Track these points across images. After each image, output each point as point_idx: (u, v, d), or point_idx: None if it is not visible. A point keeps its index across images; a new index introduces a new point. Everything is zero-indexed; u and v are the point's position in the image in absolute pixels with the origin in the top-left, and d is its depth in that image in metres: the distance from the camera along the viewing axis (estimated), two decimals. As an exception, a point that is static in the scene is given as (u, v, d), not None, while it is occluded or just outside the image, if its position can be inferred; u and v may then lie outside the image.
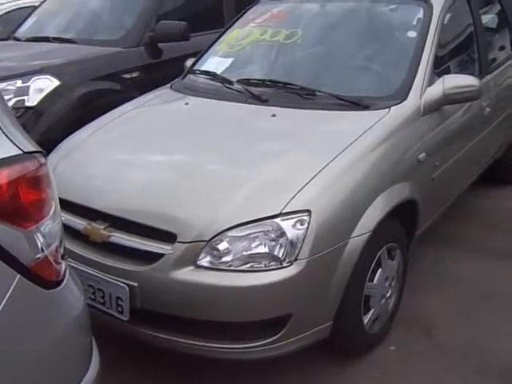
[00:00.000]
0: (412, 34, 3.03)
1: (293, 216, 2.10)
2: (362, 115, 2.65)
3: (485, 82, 3.52)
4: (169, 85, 3.41)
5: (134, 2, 4.66)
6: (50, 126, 3.87)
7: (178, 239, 2.11)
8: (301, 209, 2.11)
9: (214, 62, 3.43)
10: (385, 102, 2.73)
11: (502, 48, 4.14)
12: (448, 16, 3.26)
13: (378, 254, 2.46)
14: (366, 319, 2.48)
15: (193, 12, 5.03)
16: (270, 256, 2.09)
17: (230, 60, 3.38)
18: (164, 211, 2.19)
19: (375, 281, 2.47)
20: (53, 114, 3.90)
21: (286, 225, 2.09)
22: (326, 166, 2.27)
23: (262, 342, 2.14)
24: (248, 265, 2.10)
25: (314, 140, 2.49)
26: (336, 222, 2.19)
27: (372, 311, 2.50)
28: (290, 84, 2.90)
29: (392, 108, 2.68)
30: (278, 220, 2.09)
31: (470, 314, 2.90)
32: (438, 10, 3.10)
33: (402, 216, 2.65)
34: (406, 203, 2.62)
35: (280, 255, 2.09)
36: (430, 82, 2.85)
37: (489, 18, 4.05)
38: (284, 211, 2.10)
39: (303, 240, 2.09)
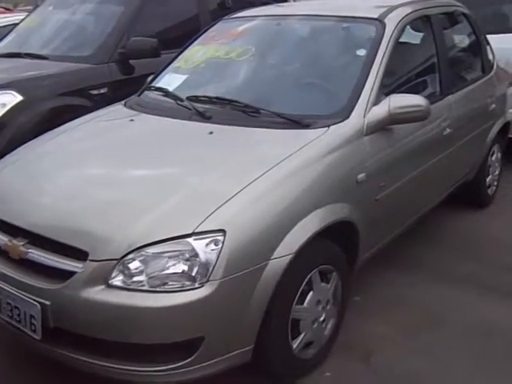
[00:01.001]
0: (361, 52, 2.99)
1: (206, 236, 2.05)
2: (299, 134, 2.60)
3: (446, 102, 3.47)
4: (123, 101, 3.39)
5: (107, 20, 4.67)
6: (12, 140, 3.86)
7: (90, 257, 2.06)
8: (215, 228, 2.06)
9: (170, 79, 3.41)
10: (326, 120, 2.68)
11: (471, 68, 4.09)
12: (404, 35, 3.22)
13: (308, 276, 2.38)
14: (296, 343, 2.40)
15: (169, 29, 5.04)
16: (182, 276, 2.04)
17: (184, 77, 3.36)
18: (77, 228, 2.15)
19: (305, 304, 2.40)
20: (16, 128, 3.91)
21: (199, 244, 2.04)
22: (249, 185, 2.22)
23: (173, 366, 2.07)
24: (160, 285, 2.04)
25: (243, 158, 2.45)
26: (253, 243, 2.12)
27: (302, 335, 2.42)
28: (235, 101, 2.87)
29: (331, 127, 2.63)
30: (190, 239, 2.04)
31: (415, 342, 2.81)
32: (390, 29, 3.06)
33: (339, 238, 2.59)
34: (343, 225, 2.55)
35: (192, 276, 2.03)
36: (377, 101, 2.79)
37: (457, 39, 4.00)
38: (197, 230, 2.05)
39: (216, 260, 2.03)
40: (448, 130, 3.42)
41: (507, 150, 5.01)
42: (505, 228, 4.18)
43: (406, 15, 3.23)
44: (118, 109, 3.28)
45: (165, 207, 2.14)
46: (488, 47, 4.38)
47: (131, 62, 4.52)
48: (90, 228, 2.13)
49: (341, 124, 2.65)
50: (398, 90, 3.06)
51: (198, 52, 3.49)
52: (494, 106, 4.18)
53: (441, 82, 3.47)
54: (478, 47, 4.15)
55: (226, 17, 3.77)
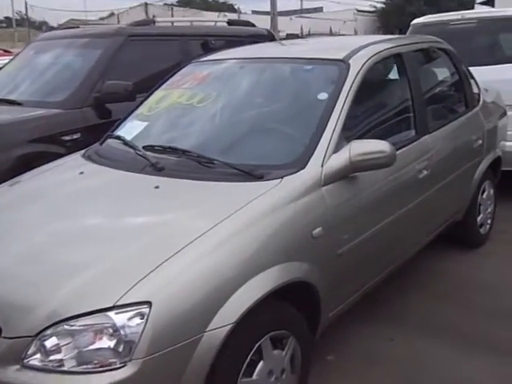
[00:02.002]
0: (323, 96, 2.82)
1: (129, 309, 1.87)
2: (248, 187, 2.42)
3: (422, 142, 3.28)
4: (84, 150, 3.26)
5: (84, 64, 4.59)
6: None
7: (3, 334, 1.89)
8: (139, 300, 1.88)
9: (132, 126, 3.27)
10: (280, 171, 2.50)
11: (453, 104, 3.90)
12: (371, 76, 3.05)
13: (257, 345, 2.18)
14: (245, 419, 2.18)
15: (150, 72, 4.94)
16: (103, 354, 1.85)
17: (145, 124, 3.22)
18: (-10, 302, 1.98)
19: (254, 376, 2.19)
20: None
21: (121, 318, 1.85)
22: (183, 248, 2.04)
23: None
24: (80, 364, 1.85)
25: (182, 218, 2.28)
26: (185, 314, 1.93)
27: (253, 413, 2.21)
28: (188, 152, 2.71)
29: (285, 178, 2.45)
30: (111, 313, 1.86)
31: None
32: (355, 71, 2.89)
33: (297, 299, 2.39)
34: (299, 285, 2.35)
35: (114, 354, 1.84)
36: (338, 148, 2.61)
37: (435, 75, 3.83)
38: (119, 303, 1.87)
39: (140, 336, 1.84)
40: (425, 172, 3.23)
41: (501, 184, 4.81)
42: (496, 270, 3.94)
43: (374, 55, 3.07)
44: (74, 159, 3.14)
45: (87, 276, 1.96)
46: (472, 81, 4.21)
47: (108, 105, 4.43)
48: (4, 302, 1.96)
49: (295, 175, 2.47)
50: (365, 134, 2.90)
51: (161, 97, 3.36)
52: (480, 142, 3.98)
53: (416, 121, 3.29)
54: (460, 82, 3.97)
55: (194, 60, 3.65)
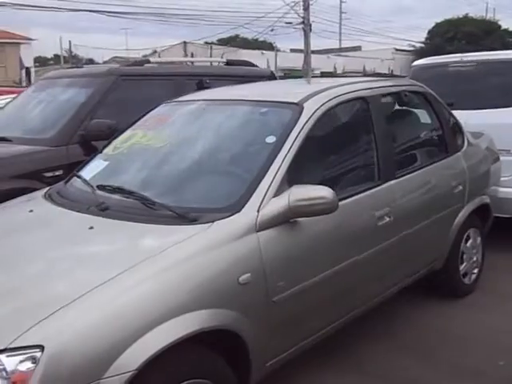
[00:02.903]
0: (271, 139, 2.80)
1: (21, 352, 1.85)
2: (179, 230, 2.40)
3: (385, 188, 3.21)
4: (47, 188, 3.32)
5: (73, 103, 4.71)
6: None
7: None
8: (31, 344, 1.86)
9: (95, 165, 3.32)
10: (214, 214, 2.48)
11: (428, 149, 3.82)
12: (328, 120, 3.03)
13: (169, 396, 2.12)
14: None
15: (138, 111, 5.02)
16: (-6, 399, 1.83)
17: (106, 163, 3.26)
18: None
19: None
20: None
21: (12, 362, 1.84)
22: (85, 294, 2.02)
23: None
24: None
25: (100, 260, 2.27)
26: (81, 360, 1.90)
27: None
28: (133, 193, 2.72)
29: (216, 222, 2.42)
30: (2, 356, 1.84)
31: None
32: (307, 115, 2.87)
33: (224, 348, 2.33)
34: (223, 333, 2.30)
35: (5, 398, 1.82)
36: (279, 193, 2.58)
37: (407, 120, 3.77)
38: (11, 346, 1.85)
39: (30, 380, 1.82)
40: (387, 219, 3.14)
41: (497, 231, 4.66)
42: (474, 323, 3.76)
43: (332, 99, 3.05)
44: (32, 197, 3.20)
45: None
46: (456, 125, 4.12)
47: (95, 143, 4.51)
48: None
49: (227, 219, 2.44)
50: (315, 179, 2.83)
51: (127, 137, 3.40)
52: (460, 188, 3.86)
53: (379, 167, 3.22)
54: (439, 127, 3.89)
55: (167, 100, 3.69)
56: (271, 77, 6.29)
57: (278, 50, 49.55)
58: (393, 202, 3.22)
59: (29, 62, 34.12)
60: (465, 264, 4.10)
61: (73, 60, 49.36)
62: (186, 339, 2.14)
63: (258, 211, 2.51)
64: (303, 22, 26.09)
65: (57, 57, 56.91)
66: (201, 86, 5.28)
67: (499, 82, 5.22)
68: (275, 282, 2.50)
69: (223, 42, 54.97)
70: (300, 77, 28.13)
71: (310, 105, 2.95)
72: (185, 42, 38.61)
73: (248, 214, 2.48)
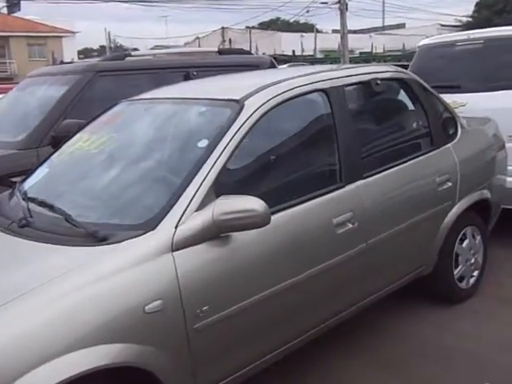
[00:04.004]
0: (203, 143, 2.51)
1: None
2: (82, 252, 2.16)
3: (349, 191, 2.87)
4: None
5: (47, 103, 4.52)
6: None
7: None
8: None
9: (38, 173, 3.10)
10: (126, 232, 2.21)
11: (408, 143, 3.42)
12: (276, 118, 2.71)
13: None
14: None
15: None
16: None
17: (46, 171, 3.04)
18: None
19: None
20: None
21: None
22: None
23: None
24: None
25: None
26: None
27: None
28: (53, 207, 2.49)
29: (125, 242, 2.16)
30: None
31: None
32: (246, 114, 2.56)
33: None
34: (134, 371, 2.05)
35: None
36: (204, 205, 2.29)
37: (382, 111, 3.38)
38: None
39: None
40: (349, 226, 2.80)
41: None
42: (466, 335, 3.37)
43: (281, 93, 2.72)
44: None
45: None
46: (446, 115, 3.70)
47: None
48: None
49: (137, 239, 2.17)
50: (253, 188, 2.52)
51: (74, 141, 3.17)
52: (449, 184, 3.46)
53: (341, 168, 2.88)
54: (423, 117, 3.47)
55: (122, 100, 3.44)
56: (271, 65, 5.97)
57: (319, 31, 48.62)
58: (358, 205, 2.88)
59: (72, 55, 34.67)
60: (460, 267, 3.69)
61: (118, 50, 50.04)
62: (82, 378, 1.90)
63: (176, 227, 2.22)
64: (339, 2, 25.31)
65: (102, 48, 57.80)
66: (187, 79, 5.02)
67: (511, 60, 4.71)
68: (196, 307, 2.22)
69: (264, 26, 54.46)
70: (338, 58, 27.44)
71: (252, 102, 2.63)
72: (223, 28, 38.37)
73: (163, 232, 2.21)
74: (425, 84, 3.58)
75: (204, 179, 2.33)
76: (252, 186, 2.55)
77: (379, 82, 3.15)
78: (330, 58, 29.26)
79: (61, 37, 37.81)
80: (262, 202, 2.26)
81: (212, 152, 2.42)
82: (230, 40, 38.18)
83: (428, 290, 3.73)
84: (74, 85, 4.54)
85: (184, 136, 2.73)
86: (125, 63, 4.93)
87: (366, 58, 28.91)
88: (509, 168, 4.33)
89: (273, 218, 2.48)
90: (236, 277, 2.35)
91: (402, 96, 3.46)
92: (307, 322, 2.74)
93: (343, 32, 25.41)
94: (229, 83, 3.27)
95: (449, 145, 3.57)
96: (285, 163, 2.76)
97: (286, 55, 28.78)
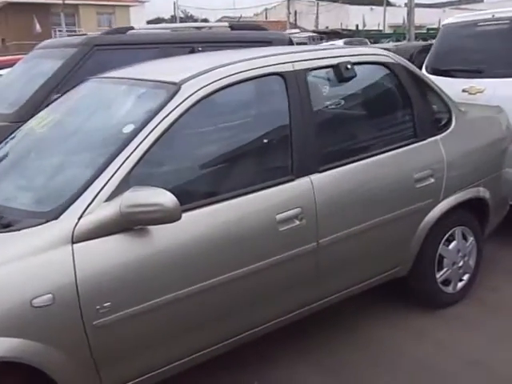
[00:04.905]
0: (128, 128, 2.36)
1: None
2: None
3: (298, 185, 2.66)
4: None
5: (40, 76, 4.49)
6: None
7: None
8: None
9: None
10: (31, 220, 2.12)
11: (383, 135, 3.14)
12: (216, 104, 2.53)
13: None
14: None
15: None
16: None
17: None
18: None
19: None
20: None
21: None
22: None
23: None
24: None
25: None
26: None
27: None
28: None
29: (24, 230, 2.07)
30: None
31: None
32: (181, 98, 2.39)
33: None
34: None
35: None
36: (116, 195, 2.16)
37: (359, 100, 3.11)
38: None
39: None
40: (296, 223, 2.60)
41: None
42: (442, 347, 3.09)
43: (227, 77, 2.52)
44: None
45: None
46: (438, 103, 3.37)
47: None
48: None
49: (37, 227, 2.08)
50: (184, 178, 2.40)
51: (34, 119, 3.10)
52: (432, 180, 3.16)
53: (293, 160, 2.66)
54: (406, 105, 3.17)
55: (90, 77, 3.32)
56: (289, 42, 5.72)
57: (391, 5, 46.91)
58: (308, 201, 2.66)
59: (140, 24, 35.11)
60: (445, 270, 3.40)
61: (188, 20, 50.28)
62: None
63: (80, 218, 2.11)
64: (409, -27, 24.10)
65: (174, 18, 58.33)
66: (192, 53, 4.87)
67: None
68: (96, 303, 2.11)
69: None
70: (403, 34, 26.31)
71: (191, 85, 2.45)
72: (288, 0, 37.70)
73: (65, 222, 2.10)
74: (414, 69, 3.27)
75: (119, 167, 2.20)
76: (180, 177, 2.41)
77: (349, 66, 2.87)
78: (396, 33, 28.12)
79: (128, 6, 38.33)
80: (171, 196, 2.11)
81: (134, 138, 2.27)
82: (295, 12, 37.50)
83: (409, 293, 3.47)
84: (70, 59, 4.48)
85: (115, 120, 2.60)
86: (125, 37, 4.82)
87: (434, 34, 27.55)
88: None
89: (202, 211, 2.34)
90: (147, 274, 2.22)
91: (382, 82, 3.17)
92: (234, 327, 2.56)
93: (410, 6, 24.23)
94: (185, 64, 3.09)
95: (437, 137, 3.25)
96: (224, 153, 2.58)
97: (349, 30, 27.90)
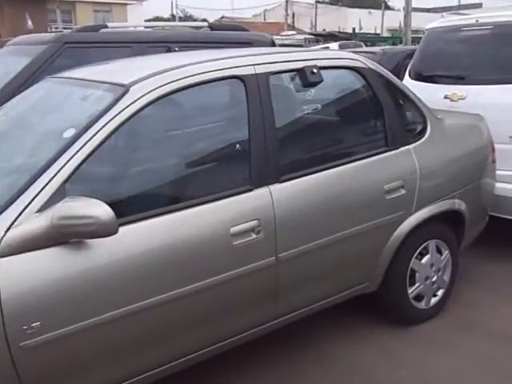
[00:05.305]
0: (69, 133, 2.20)
1: None
2: None
3: (257, 194, 2.50)
4: None
5: (2, 77, 4.31)
6: None
7: None
8: None
9: None
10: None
11: (350, 144, 2.98)
12: (166, 108, 2.37)
13: None
14: None
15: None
16: None
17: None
18: None
19: None
20: None
21: None
22: None
23: None
24: None
25: None
26: None
27: None
28: None
29: None
30: None
31: None
32: (127, 101, 2.23)
33: None
34: None
35: None
36: (49, 206, 2.00)
37: (325, 106, 2.95)
38: None
39: None
40: (252, 236, 2.44)
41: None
42: (403, 363, 2.96)
43: (176, 80, 2.36)
44: None
45: None
46: (411, 111, 3.22)
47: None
48: None
49: (-42, 241, 1.91)
50: (126, 188, 2.24)
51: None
52: (403, 192, 3.00)
53: (251, 168, 2.50)
54: (377, 113, 3.01)
55: (51, 75, 3.16)
56: (271, 44, 5.56)
57: (390, 9, 46.84)
58: (267, 213, 2.50)
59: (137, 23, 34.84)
60: (417, 285, 3.24)
61: (187, 20, 50.12)
62: None
63: (8, 230, 1.94)
64: (406, -23, 23.99)
65: (173, 17, 58.16)
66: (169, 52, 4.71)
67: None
68: (22, 322, 1.94)
69: (335, 1, 53.03)
70: (399, 37, 26.20)
71: (140, 88, 2.29)
72: (286, 1, 37.53)
73: (-9, 234, 1.93)
74: (387, 75, 3.11)
75: (54, 176, 2.04)
76: (123, 187, 2.25)
77: (316, 70, 2.71)
78: (393, 37, 28.00)
79: (125, 4, 38.04)
80: (107, 208, 1.95)
81: (73, 144, 2.11)
82: (293, 14, 37.34)
83: (379, 309, 3.31)
84: (38, 56, 4.30)
85: (57, 123, 2.43)
86: (97, 35, 4.64)
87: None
88: (498, 173, 3.79)
89: (145, 223, 2.19)
90: (82, 291, 2.05)
91: (352, 88, 3.01)
92: (178, 349, 2.39)
93: (407, 10, 24.11)
94: (142, 64, 2.92)
95: (410, 146, 3.10)
96: (174, 161, 2.41)
97: (346, 33, 27.76)
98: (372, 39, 26.05)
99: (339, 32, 27.38)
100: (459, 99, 4.26)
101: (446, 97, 4.36)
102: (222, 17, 45.99)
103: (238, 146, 2.52)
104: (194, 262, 2.30)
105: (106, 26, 4.80)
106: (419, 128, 3.21)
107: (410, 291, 3.22)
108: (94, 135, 2.13)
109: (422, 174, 3.08)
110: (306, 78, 2.70)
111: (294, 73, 2.73)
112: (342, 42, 18.91)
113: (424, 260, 3.25)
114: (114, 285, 2.11)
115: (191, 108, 2.51)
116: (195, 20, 55.31)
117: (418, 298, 3.29)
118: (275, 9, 44.77)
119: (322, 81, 2.75)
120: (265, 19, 46.06)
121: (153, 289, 2.20)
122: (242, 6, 54.12)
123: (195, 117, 2.53)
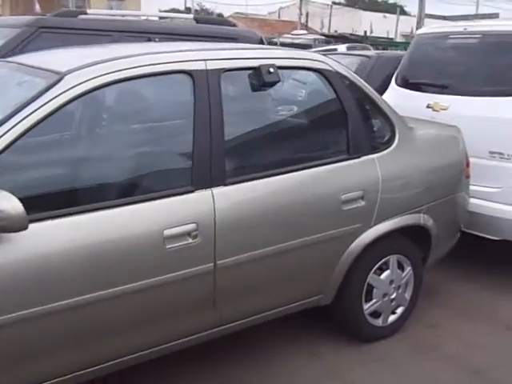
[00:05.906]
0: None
1: None
2: None
3: (197, 196, 2.37)
4: None
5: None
6: None
7: None
8: None
9: None
10: None
11: (301, 149, 2.84)
12: (102, 100, 2.25)
13: None
14: None
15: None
16: None
17: None
18: None
19: None
20: None
21: None
22: None
23: None
24: None
25: None
26: None
27: None
28: None
29: None
30: None
31: None
32: (60, 89, 2.11)
33: None
34: None
35: None
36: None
37: (282, 107, 2.81)
38: None
39: None
40: (189, 241, 2.31)
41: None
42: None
43: (118, 71, 2.23)
44: None
45: None
46: (377, 118, 3.07)
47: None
48: None
49: None
50: (60, 182, 2.14)
51: None
52: (362, 203, 2.86)
53: (194, 169, 2.37)
54: (340, 119, 2.86)
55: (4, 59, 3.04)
56: (260, 41, 5.42)
57: (406, 14, 46.47)
58: (206, 217, 2.37)
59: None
60: (374, 301, 3.10)
61: (202, 13, 49.93)
62: None
63: None
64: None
65: (188, 9, 58.00)
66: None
67: (506, 61, 3.94)
68: None
69: (351, 3, 52.73)
70: (407, 43, 25.95)
71: (75, 76, 2.17)
72: (301, 0, 37.26)
73: None
74: (355, 79, 2.97)
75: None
76: (43, 180, 2.12)
77: (273, 69, 2.57)
78: (405, 42, 27.71)
79: (138, -5, 37.89)
80: (16, 201, 1.83)
81: (-8, 133, 1.98)
82: (307, 13, 37.10)
83: (334, 323, 3.18)
84: (10, 40, 4.17)
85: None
86: (75, 21, 4.51)
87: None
88: (475, 189, 3.65)
89: (65, 220, 2.06)
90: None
91: (313, 90, 2.87)
92: (99, 355, 2.26)
93: (420, 16, 23.98)
94: (90, 52, 2.78)
95: (374, 155, 2.95)
96: (106, 157, 2.28)
97: (357, 35, 27.52)
98: (384, 43, 25.76)
99: (351, 34, 27.14)
100: (441, 109, 4.11)
101: (428, 106, 4.20)
102: (236, 12, 45.82)
103: (180, 144, 2.39)
104: (120, 264, 2.17)
105: (86, 13, 4.67)
106: (387, 137, 3.07)
107: (365, 307, 3.08)
108: (17, 124, 2.00)
109: (384, 186, 2.94)
110: (262, 77, 2.56)
111: (249, 71, 2.58)
112: (350, 44, 18.71)
113: (383, 276, 3.11)
114: (23, 284, 1.98)
115: (132, 101, 2.39)
116: (210, 14, 55.13)
117: (375, 314, 3.15)
118: (290, 7, 44.55)
119: (279, 81, 2.61)
120: (279, 17, 45.84)
121: (69, 290, 2.07)
122: (256, 3, 53.87)
123: (136, 111, 2.40)
